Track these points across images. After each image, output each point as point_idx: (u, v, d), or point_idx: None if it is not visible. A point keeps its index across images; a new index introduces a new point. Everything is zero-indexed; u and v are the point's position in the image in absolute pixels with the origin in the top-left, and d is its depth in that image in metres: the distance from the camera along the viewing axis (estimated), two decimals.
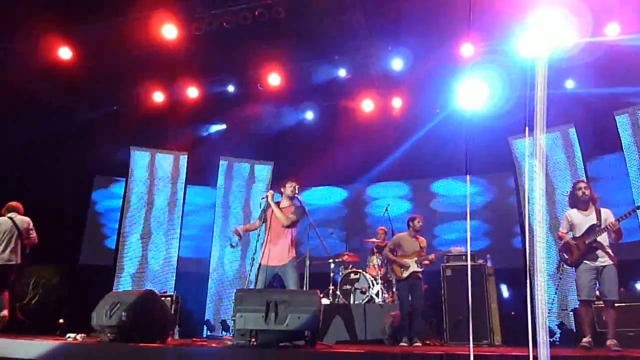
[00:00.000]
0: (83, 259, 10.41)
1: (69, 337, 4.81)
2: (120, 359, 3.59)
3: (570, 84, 8.99)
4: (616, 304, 4.94)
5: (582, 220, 5.12)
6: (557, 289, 8.34)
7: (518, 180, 9.59)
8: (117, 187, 10.94)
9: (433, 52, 8.60)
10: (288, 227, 5.09)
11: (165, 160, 11.08)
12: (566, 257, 5.20)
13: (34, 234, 6.47)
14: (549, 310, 8.36)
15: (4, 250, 6.18)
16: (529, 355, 2.07)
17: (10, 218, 6.36)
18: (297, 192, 5.47)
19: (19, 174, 8.98)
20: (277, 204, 5.28)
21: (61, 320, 8.96)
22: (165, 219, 10.74)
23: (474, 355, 2.58)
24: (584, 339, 4.83)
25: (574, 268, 5.16)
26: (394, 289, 7.40)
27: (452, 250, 6.46)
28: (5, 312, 6.13)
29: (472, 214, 9.94)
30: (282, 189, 5.42)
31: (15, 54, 8.42)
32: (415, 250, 6.35)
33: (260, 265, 5.00)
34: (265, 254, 5.04)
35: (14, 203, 6.56)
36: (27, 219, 6.49)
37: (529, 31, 6.88)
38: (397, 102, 9.95)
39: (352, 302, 7.52)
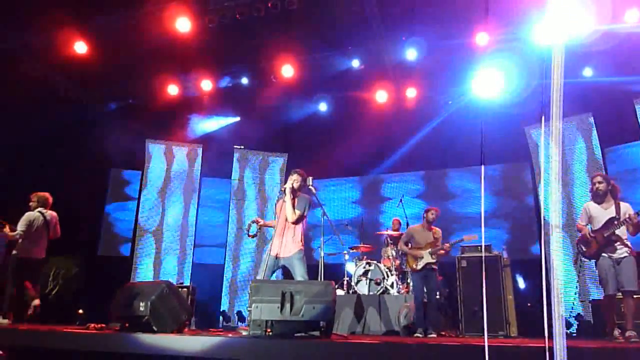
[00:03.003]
0: (101, 250, 10.58)
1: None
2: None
3: (588, 72, 8.80)
4: (635, 295, 4.89)
5: (601, 213, 5.07)
6: (577, 281, 8.24)
7: (535, 170, 9.46)
8: (133, 179, 11.06)
9: (448, 41, 8.47)
10: (294, 223, 5.09)
11: (180, 153, 11.18)
12: (585, 249, 5.15)
13: (58, 228, 6.62)
14: (570, 302, 8.27)
15: (36, 246, 6.32)
16: (544, 347, 2.06)
17: (41, 213, 6.43)
18: (310, 182, 5.46)
19: (36, 166, 9.12)
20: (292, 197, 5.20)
21: (80, 311, 9.12)
22: (181, 211, 10.85)
23: (489, 346, 2.57)
24: (617, 332, 4.79)
25: (592, 260, 5.13)
26: (409, 280, 7.39)
27: (465, 239, 6.38)
28: (37, 301, 6.29)
29: (488, 204, 9.85)
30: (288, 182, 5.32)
31: (31, 48, 8.53)
32: (428, 241, 6.33)
33: (269, 254, 5.04)
34: (274, 245, 5.08)
35: (45, 195, 6.57)
36: (54, 213, 6.59)
37: (545, 18, 6.76)
38: (411, 93, 9.84)
39: (366, 293, 7.53)
